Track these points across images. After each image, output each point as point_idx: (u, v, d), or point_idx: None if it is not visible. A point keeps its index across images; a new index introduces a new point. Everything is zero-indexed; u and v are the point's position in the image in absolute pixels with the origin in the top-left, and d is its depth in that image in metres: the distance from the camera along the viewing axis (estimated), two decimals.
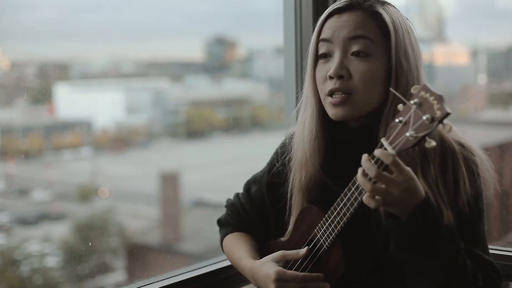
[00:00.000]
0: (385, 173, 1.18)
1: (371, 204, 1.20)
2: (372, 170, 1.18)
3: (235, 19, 18.83)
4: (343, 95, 1.39)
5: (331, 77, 1.40)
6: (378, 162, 1.19)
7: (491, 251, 1.76)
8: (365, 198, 1.21)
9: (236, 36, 17.43)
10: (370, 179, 1.19)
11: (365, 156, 1.21)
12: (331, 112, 1.42)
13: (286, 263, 1.47)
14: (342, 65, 1.39)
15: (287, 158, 1.56)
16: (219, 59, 17.52)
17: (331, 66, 1.40)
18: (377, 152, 1.19)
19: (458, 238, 1.29)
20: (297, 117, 1.56)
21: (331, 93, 1.40)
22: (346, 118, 1.41)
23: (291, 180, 1.53)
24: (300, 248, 1.48)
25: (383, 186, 1.18)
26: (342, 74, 1.38)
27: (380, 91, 1.40)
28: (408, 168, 1.20)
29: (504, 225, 3.25)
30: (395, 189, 1.18)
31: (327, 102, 1.42)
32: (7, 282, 7.17)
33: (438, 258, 1.25)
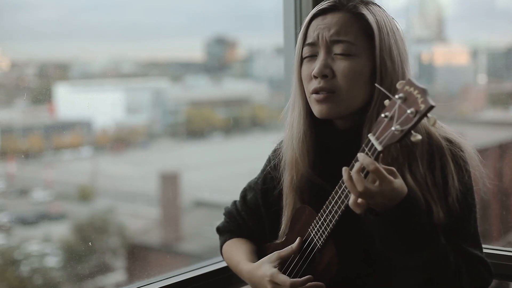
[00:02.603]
0: (370, 187, 1.19)
1: (357, 210, 1.22)
2: (359, 184, 1.20)
3: (235, 19, 18.84)
4: (326, 93, 1.40)
5: (315, 77, 1.41)
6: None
7: (491, 251, 1.77)
8: (351, 204, 1.23)
9: (236, 36, 17.43)
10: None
11: (347, 168, 1.22)
12: (316, 109, 1.43)
13: (283, 264, 1.48)
14: (325, 65, 1.40)
15: (278, 162, 1.58)
16: (219, 59, 17.52)
17: (315, 65, 1.42)
18: (360, 157, 1.20)
19: (439, 234, 1.30)
20: (285, 119, 1.57)
21: (315, 92, 1.42)
22: (331, 116, 1.42)
23: (284, 181, 1.54)
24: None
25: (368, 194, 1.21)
26: (325, 74, 1.40)
27: (364, 90, 1.41)
28: (390, 178, 1.20)
29: (504, 225, 3.25)
30: (379, 198, 1.21)
31: (312, 100, 1.44)
32: (7, 282, 7.16)
33: (418, 254, 1.27)
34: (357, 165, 1.21)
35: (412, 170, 1.35)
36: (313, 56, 1.44)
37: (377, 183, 1.20)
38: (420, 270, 1.29)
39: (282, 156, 1.56)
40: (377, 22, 1.41)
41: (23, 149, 9.10)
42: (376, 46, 1.39)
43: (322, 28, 1.42)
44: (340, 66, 1.39)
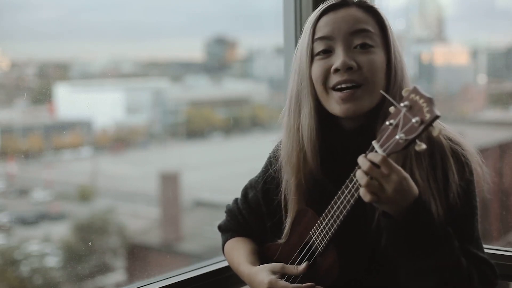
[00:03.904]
0: (378, 168, 1.19)
1: (366, 197, 1.20)
2: (365, 164, 1.19)
3: (235, 19, 18.82)
4: (351, 89, 1.37)
5: (337, 70, 1.38)
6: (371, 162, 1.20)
7: (491, 251, 1.76)
8: (361, 191, 1.21)
9: (236, 36, 17.43)
10: (366, 173, 1.20)
11: (361, 155, 1.22)
12: (340, 108, 1.39)
13: (283, 276, 1.47)
14: (349, 57, 1.38)
15: (279, 165, 1.56)
16: (219, 59, 17.51)
17: (335, 60, 1.39)
18: (370, 155, 1.20)
19: (453, 237, 1.29)
20: (284, 121, 1.53)
21: (338, 84, 1.38)
22: (356, 114, 1.40)
23: (285, 183, 1.52)
24: (297, 250, 1.49)
25: (377, 183, 1.19)
26: (350, 66, 1.37)
27: (383, 85, 1.40)
28: (399, 168, 1.20)
29: (504, 225, 3.25)
30: (388, 186, 1.19)
31: (334, 98, 1.40)
32: (7, 282, 7.16)
33: (432, 258, 1.26)
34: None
35: (416, 167, 1.35)
36: (326, 52, 1.41)
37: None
38: (433, 274, 1.28)
39: (282, 159, 1.53)
40: (385, 17, 1.44)
41: (23, 149, 9.10)
42: (389, 39, 1.41)
43: (338, 22, 1.41)
44: (364, 58, 1.38)
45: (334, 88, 1.39)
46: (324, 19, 1.43)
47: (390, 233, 1.26)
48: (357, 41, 1.39)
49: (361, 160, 1.21)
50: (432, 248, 1.25)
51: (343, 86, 1.38)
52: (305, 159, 1.46)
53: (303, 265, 1.43)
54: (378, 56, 1.39)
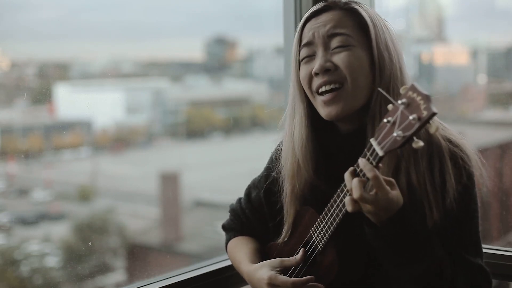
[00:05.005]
0: (366, 195, 1.19)
1: (349, 207, 1.21)
2: (356, 190, 1.19)
3: (235, 19, 18.83)
4: (333, 91, 1.39)
5: (316, 74, 1.41)
6: (362, 172, 1.20)
7: (491, 251, 1.76)
8: (347, 200, 1.22)
9: (236, 36, 17.43)
10: (354, 200, 1.21)
11: (350, 170, 1.22)
12: (324, 112, 1.42)
13: (283, 272, 1.47)
14: (326, 60, 1.40)
15: (280, 167, 1.57)
16: (219, 59, 17.52)
17: (315, 63, 1.41)
18: (361, 162, 1.20)
19: (435, 247, 1.29)
20: (284, 127, 1.55)
21: (320, 88, 1.41)
22: (340, 116, 1.41)
23: (284, 188, 1.54)
24: (297, 249, 1.49)
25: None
26: (328, 68, 1.40)
27: (366, 84, 1.40)
28: (387, 188, 1.20)
29: (504, 225, 3.25)
30: (372, 206, 1.20)
31: (319, 102, 1.42)
32: (7, 282, 7.16)
33: (412, 267, 1.26)
34: (351, 168, 1.22)
35: (413, 169, 1.35)
36: (310, 57, 1.44)
37: (373, 191, 1.19)
38: (415, 282, 1.29)
39: (282, 165, 1.55)
40: (370, 16, 1.43)
41: (23, 149, 9.10)
42: (372, 38, 1.40)
43: (317, 27, 1.43)
44: (341, 57, 1.39)
45: (318, 92, 1.42)
46: (307, 26, 1.46)
47: (372, 240, 1.28)
48: (334, 44, 1.41)
49: (355, 183, 1.20)
50: (411, 257, 1.26)
51: (323, 89, 1.40)
52: (298, 165, 1.48)
53: (300, 252, 1.45)
54: (356, 55, 1.40)
